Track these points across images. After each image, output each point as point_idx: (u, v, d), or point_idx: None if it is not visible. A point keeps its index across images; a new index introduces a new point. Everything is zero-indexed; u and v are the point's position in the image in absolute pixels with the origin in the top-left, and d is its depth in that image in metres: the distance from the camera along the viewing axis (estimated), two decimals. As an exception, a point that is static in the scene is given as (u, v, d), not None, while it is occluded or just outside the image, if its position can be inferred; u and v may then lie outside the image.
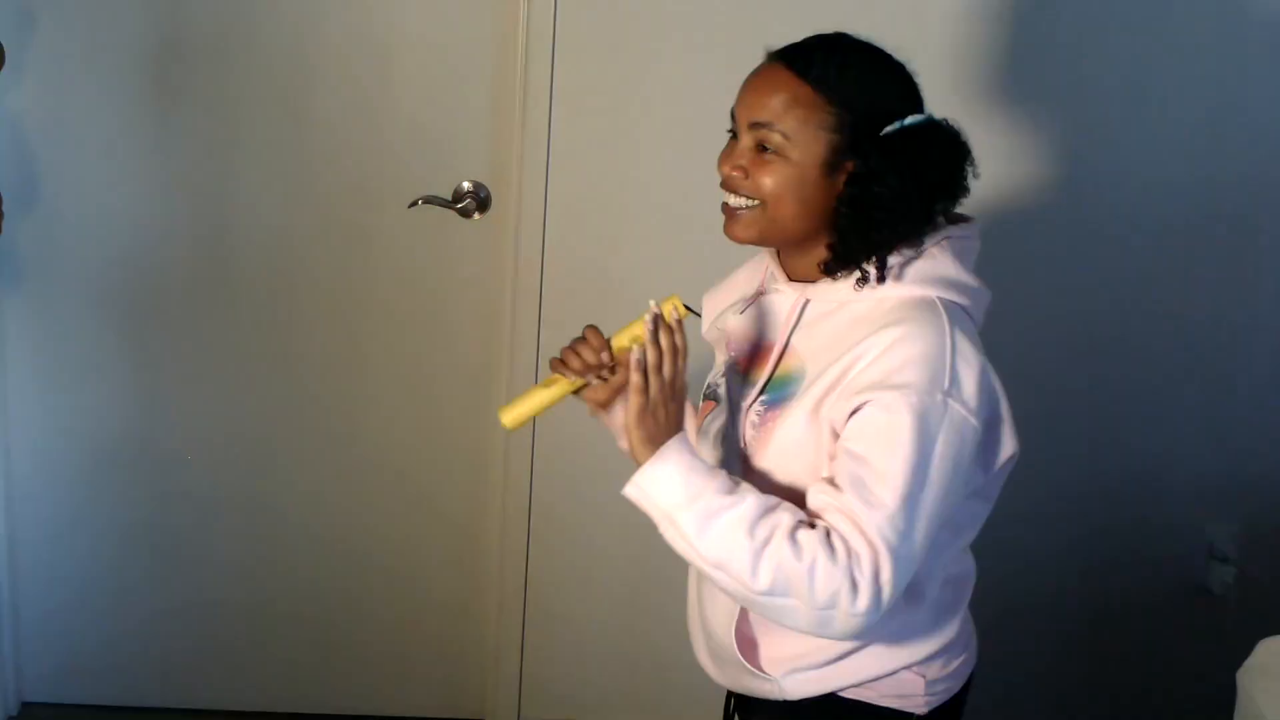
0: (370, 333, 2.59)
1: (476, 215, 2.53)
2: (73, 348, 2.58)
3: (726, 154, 1.55)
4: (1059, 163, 2.48)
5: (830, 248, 1.52)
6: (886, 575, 1.38)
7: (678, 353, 1.51)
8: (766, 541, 1.40)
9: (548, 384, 1.63)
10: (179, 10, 2.43)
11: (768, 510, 1.42)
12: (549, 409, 1.64)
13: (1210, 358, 2.62)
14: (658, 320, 1.50)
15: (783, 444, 1.52)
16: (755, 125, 1.51)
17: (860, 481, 1.41)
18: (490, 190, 2.52)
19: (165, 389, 2.61)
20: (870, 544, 1.39)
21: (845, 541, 1.39)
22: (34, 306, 2.55)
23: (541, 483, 2.63)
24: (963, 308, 1.52)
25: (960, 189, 1.53)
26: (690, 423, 1.70)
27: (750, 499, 1.43)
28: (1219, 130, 2.50)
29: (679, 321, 1.53)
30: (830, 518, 1.42)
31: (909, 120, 1.50)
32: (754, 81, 1.54)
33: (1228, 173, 2.52)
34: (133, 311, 2.57)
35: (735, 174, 1.53)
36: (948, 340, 1.45)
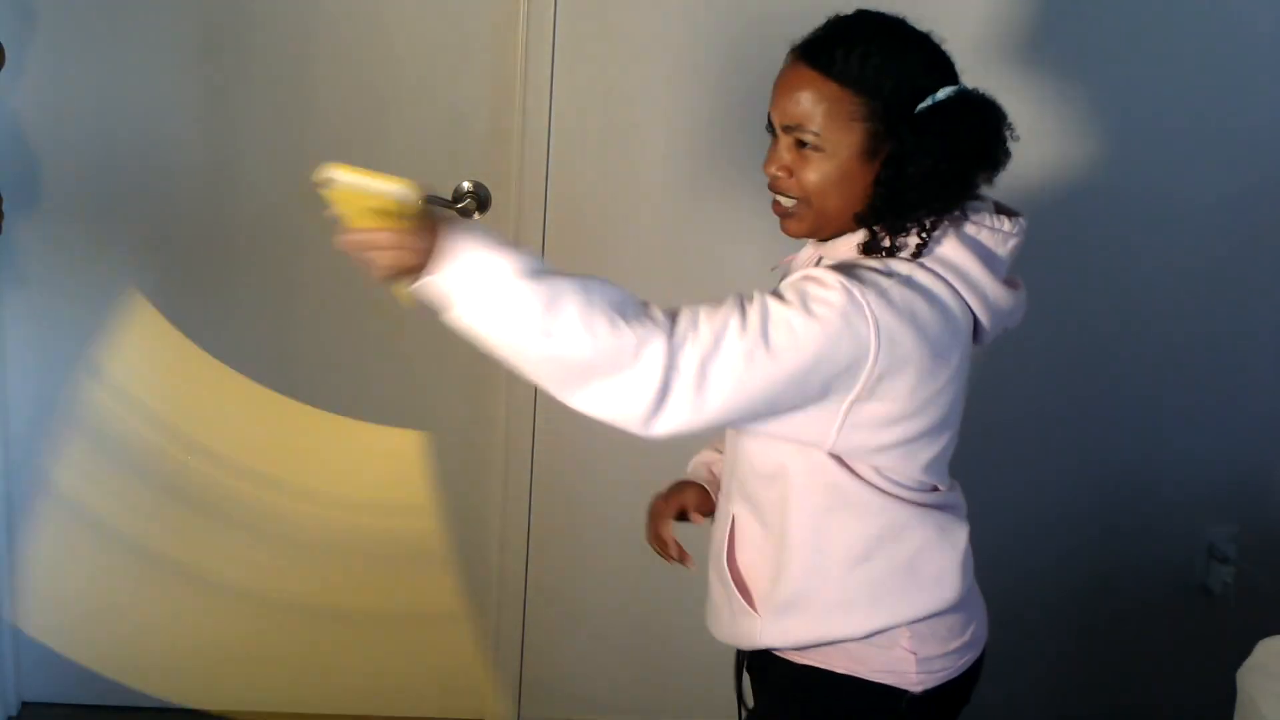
0: (370, 333, 2.59)
1: (476, 215, 2.53)
2: (72, 347, 2.58)
3: (769, 156, 1.57)
4: (1058, 165, 2.48)
5: (859, 219, 1.54)
6: (667, 358, 1.40)
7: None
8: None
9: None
10: (179, 10, 2.43)
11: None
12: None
13: (1210, 358, 2.62)
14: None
15: None
16: (788, 128, 1.54)
17: (738, 306, 1.44)
18: (490, 190, 2.52)
19: (165, 389, 2.61)
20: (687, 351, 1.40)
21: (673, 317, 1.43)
22: (34, 306, 2.55)
23: (541, 483, 2.63)
24: (952, 289, 1.51)
25: (999, 155, 1.54)
26: None
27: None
28: (1219, 131, 2.50)
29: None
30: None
31: (940, 95, 1.51)
32: (781, 84, 1.56)
33: (1228, 174, 2.53)
34: (132, 311, 2.57)
35: (780, 174, 1.56)
36: (893, 279, 1.47)
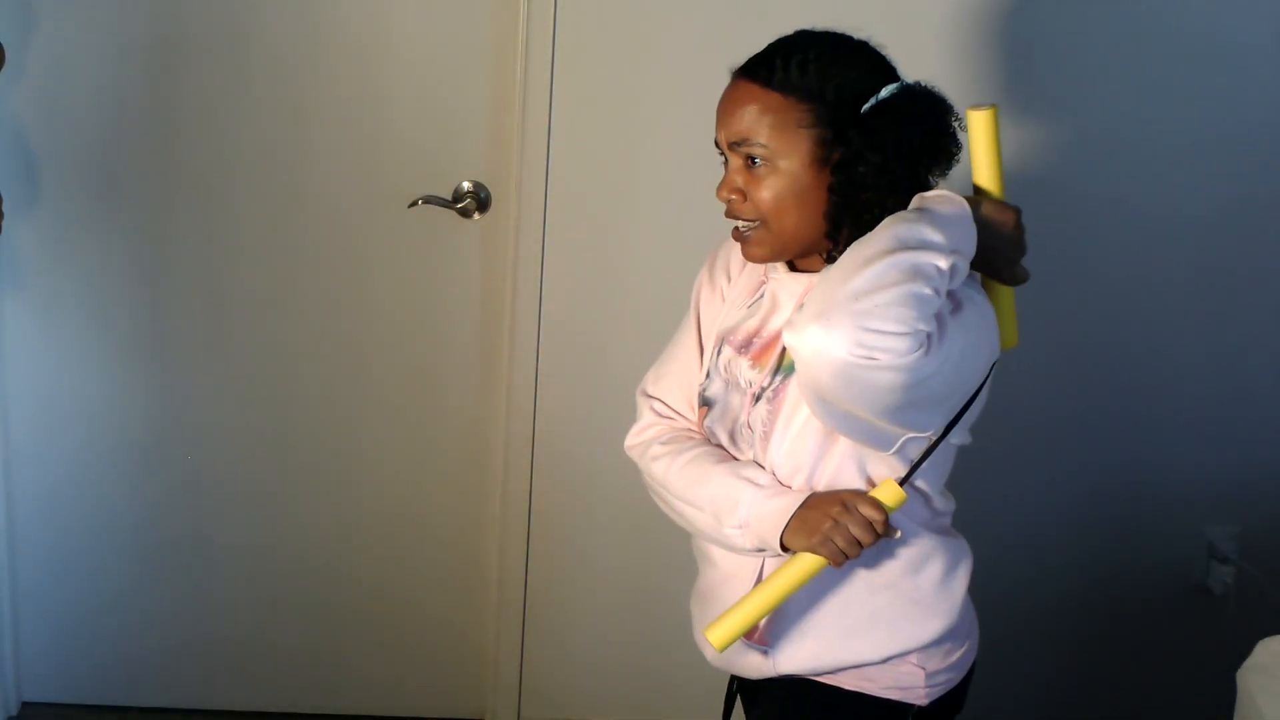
0: (370, 333, 2.59)
1: (476, 215, 2.53)
2: (72, 348, 2.58)
3: (722, 182, 1.56)
4: (1058, 164, 2.48)
5: (828, 236, 1.53)
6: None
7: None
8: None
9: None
10: (179, 10, 2.43)
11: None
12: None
13: (1210, 358, 2.62)
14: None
15: (794, 406, 1.53)
16: (735, 145, 1.53)
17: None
18: (490, 190, 2.52)
19: (165, 389, 2.61)
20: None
21: None
22: (34, 306, 2.55)
23: (541, 484, 2.63)
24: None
25: (949, 146, 1.53)
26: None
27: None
28: (1219, 131, 2.50)
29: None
30: None
31: (883, 93, 1.50)
32: (724, 103, 1.56)
33: (1228, 174, 2.52)
34: (132, 311, 2.57)
35: (734, 198, 1.55)
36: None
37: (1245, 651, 2.00)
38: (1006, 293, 1.58)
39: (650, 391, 1.73)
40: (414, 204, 2.49)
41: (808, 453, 1.54)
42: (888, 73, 1.54)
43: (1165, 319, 2.59)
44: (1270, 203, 2.55)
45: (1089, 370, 2.62)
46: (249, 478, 2.66)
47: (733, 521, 1.55)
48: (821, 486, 1.55)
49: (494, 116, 2.48)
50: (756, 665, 1.63)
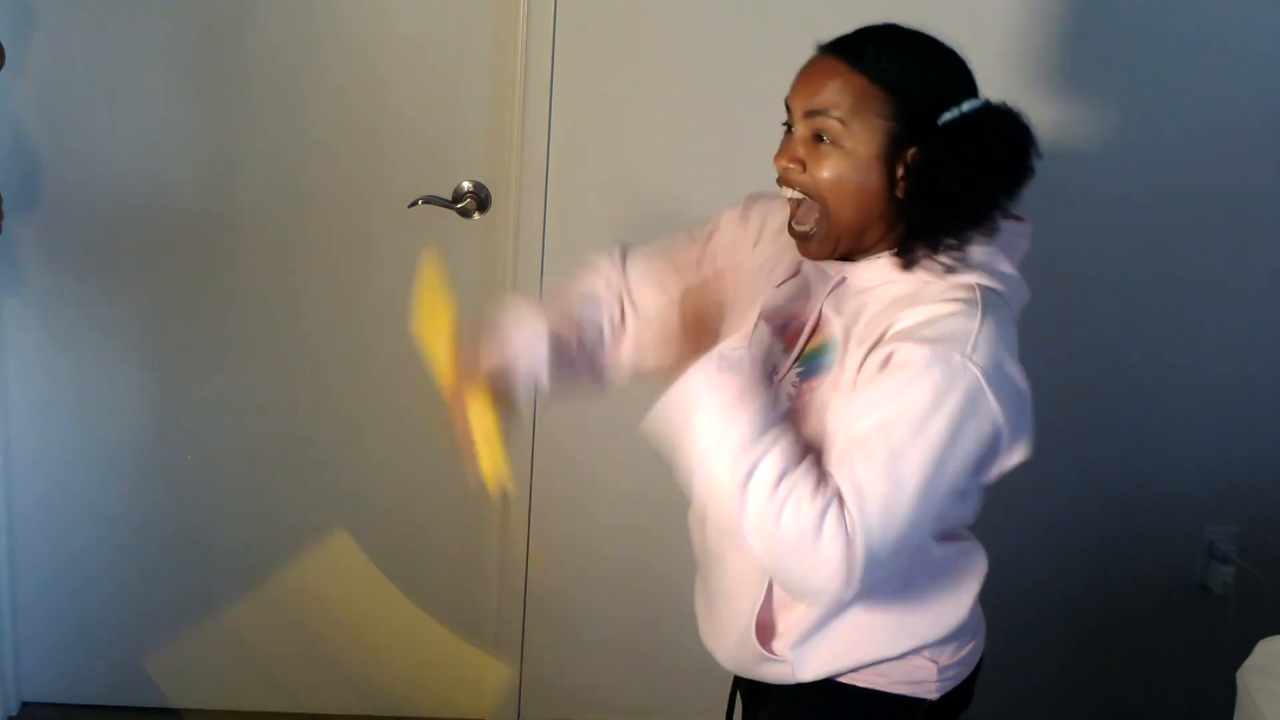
0: (370, 332, 2.59)
1: (476, 215, 2.53)
2: (72, 348, 2.58)
3: (781, 148, 1.52)
4: (1058, 164, 2.48)
5: (903, 242, 1.49)
6: (858, 552, 1.35)
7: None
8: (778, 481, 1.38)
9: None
10: (179, 10, 2.43)
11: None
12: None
13: (1210, 359, 2.62)
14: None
15: (821, 414, 1.49)
16: (811, 113, 1.48)
17: (864, 447, 1.37)
18: (490, 190, 2.52)
19: (165, 389, 2.61)
20: (851, 523, 1.35)
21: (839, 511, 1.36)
22: (34, 306, 2.55)
23: (541, 483, 2.63)
24: (1000, 295, 1.49)
25: (1026, 171, 1.50)
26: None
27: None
28: (1219, 132, 2.50)
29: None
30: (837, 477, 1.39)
31: (966, 106, 1.47)
32: (808, 72, 1.51)
33: (1228, 175, 2.53)
34: (132, 311, 2.57)
35: (793, 166, 1.50)
36: (980, 319, 1.42)
37: (1245, 651, 2.00)
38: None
39: (617, 252, 1.77)
40: (414, 204, 2.49)
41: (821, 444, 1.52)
42: (969, 85, 1.51)
43: (1165, 320, 2.59)
44: (1271, 203, 2.55)
45: (1089, 371, 2.62)
46: (249, 479, 2.66)
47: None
48: None
49: (494, 116, 2.48)
50: (776, 673, 1.63)
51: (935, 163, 1.45)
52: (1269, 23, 2.46)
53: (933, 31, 1.53)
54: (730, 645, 1.66)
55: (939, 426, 1.37)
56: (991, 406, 1.39)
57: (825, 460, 1.41)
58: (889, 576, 1.51)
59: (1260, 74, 2.49)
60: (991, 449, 1.43)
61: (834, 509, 1.35)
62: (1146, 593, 2.72)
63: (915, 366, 1.38)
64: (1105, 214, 2.53)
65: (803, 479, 1.37)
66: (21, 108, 2.44)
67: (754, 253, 1.68)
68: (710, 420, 1.39)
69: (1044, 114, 2.44)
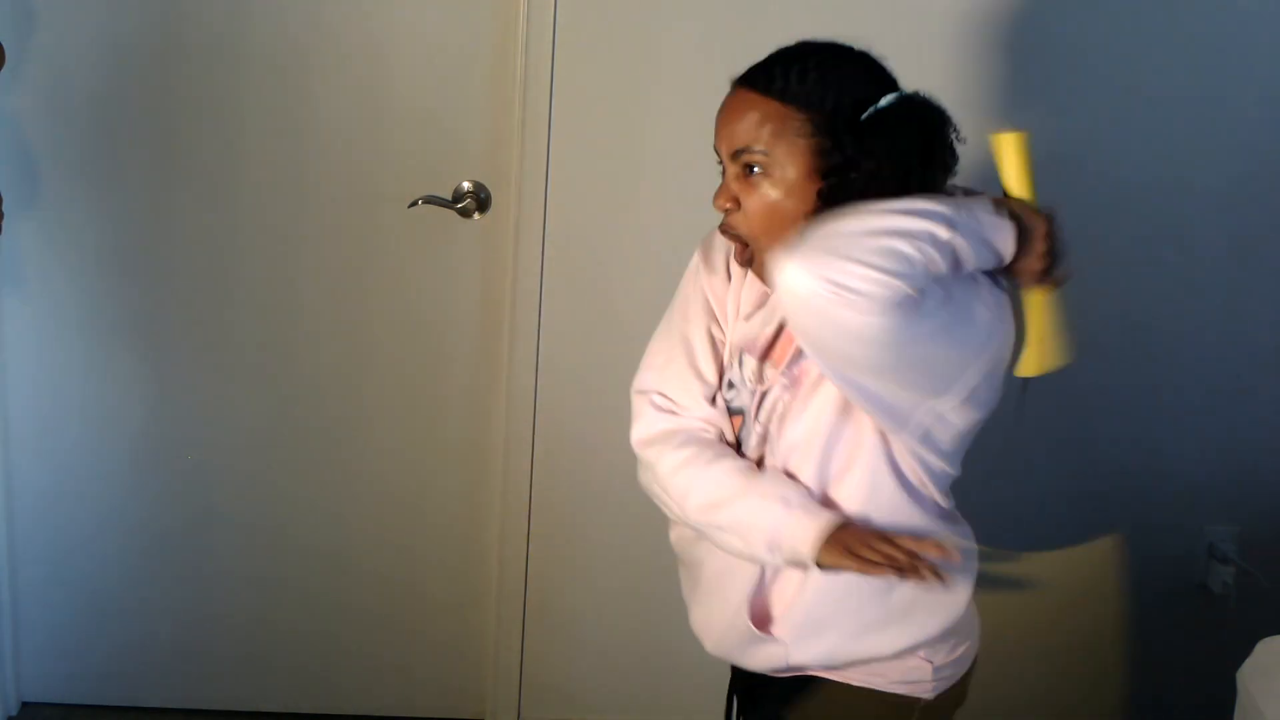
0: (370, 332, 2.59)
1: (476, 215, 2.53)
2: (72, 348, 2.58)
3: (718, 190, 1.56)
4: (1056, 163, 2.48)
5: None
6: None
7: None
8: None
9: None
10: (179, 10, 2.43)
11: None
12: None
13: (1210, 358, 2.62)
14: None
15: (812, 386, 1.54)
16: (736, 154, 1.53)
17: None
18: (490, 190, 2.52)
19: (165, 388, 2.61)
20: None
21: None
22: (34, 307, 2.55)
23: (541, 483, 2.63)
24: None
25: (945, 157, 1.53)
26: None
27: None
28: (1218, 131, 2.50)
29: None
30: None
31: (882, 103, 1.49)
32: (724, 112, 1.55)
33: (1226, 173, 2.52)
34: (132, 311, 2.57)
35: (728, 205, 1.54)
36: None
37: (1245, 651, 2.00)
38: (1044, 304, 1.56)
39: (647, 386, 1.70)
40: (414, 204, 2.49)
41: (822, 432, 1.54)
42: (888, 83, 1.53)
43: (1165, 318, 2.59)
44: (1272, 201, 2.55)
45: (1089, 371, 2.60)
46: (248, 479, 2.66)
47: (761, 542, 1.54)
48: (837, 468, 1.55)
49: (494, 116, 2.48)
50: (766, 656, 1.63)
51: (846, 162, 1.48)
52: (1269, 22, 2.46)
53: (841, 39, 1.55)
54: (718, 629, 1.67)
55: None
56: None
57: None
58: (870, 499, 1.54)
59: (1260, 72, 2.49)
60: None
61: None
62: (1146, 592, 2.72)
63: None
64: (1105, 213, 2.52)
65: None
66: (21, 108, 2.44)
67: (729, 289, 1.70)
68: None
69: (1042, 113, 2.45)
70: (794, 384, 1.55)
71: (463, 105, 2.48)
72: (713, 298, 1.69)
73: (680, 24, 2.41)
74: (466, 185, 2.51)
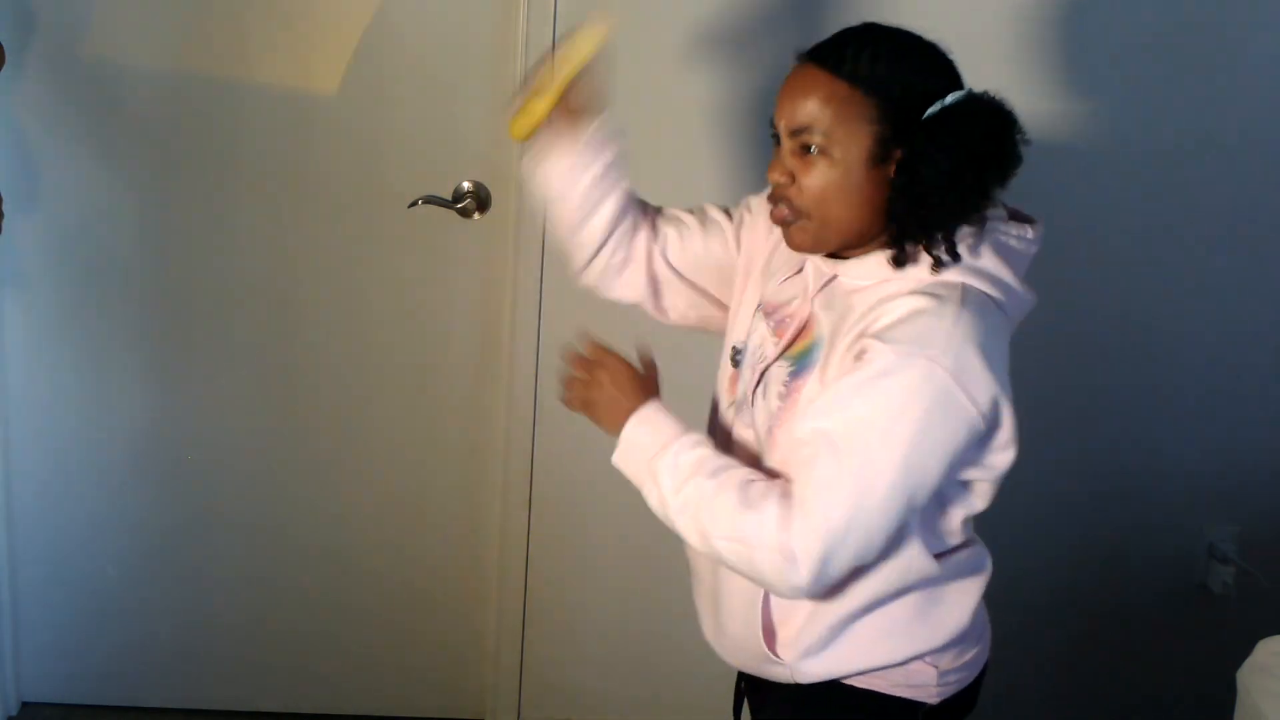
0: (370, 332, 2.59)
1: (476, 215, 2.53)
2: (72, 348, 2.58)
3: (772, 163, 1.53)
4: (1056, 162, 2.48)
5: (893, 240, 1.49)
6: (814, 554, 1.41)
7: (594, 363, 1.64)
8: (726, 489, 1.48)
9: (538, 93, 1.69)
10: (179, 10, 2.43)
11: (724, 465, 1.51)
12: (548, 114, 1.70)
13: (1210, 357, 2.62)
14: None
15: (803, 414, 1.50)
16: (795, 131, 1.49)
17: (831, 444, 1.41)
18: (490, 190, 2.52)
19: (165, 388, 2.61)
20: (812, 527, 1.42)
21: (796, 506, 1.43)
22: (34, 307, 2.55)
23: (541, 483, 2.63)
24: (994, 300, 1.49)
25: (1012, 159, 1.50)
26: (723, 391, 1.70)
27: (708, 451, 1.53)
28: (1217, 130, 2.50)
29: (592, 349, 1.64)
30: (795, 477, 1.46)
31: (949, 99, 1.47)
32: (788, 87, 1.51)
33: (1227, 173, 2.52)
34: (132, 311, 2.57)
35: (782, 180, 1.51)
36: (952, 317, 1.43)
37: (1245, 651, 2.00)
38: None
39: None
40: (414, 204, 2.49)
41: None
42: (952, 76, 1.51)
43: (1165, 318, 2.59)
44: (1271, 203, 2.55)
45: (1089, 371, 2.62)
46: (248, 480, 2.66)
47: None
48: None
49: (494, 116, 2.48)
50: (777, 673, 1.63)
51: (919, 157, 1.45)
52: (1270, 22, 2.46)
53: (911, 28, 1.53)
54: (729, 647, 1.69)
55: (905, 429, 1.40)
56: (965, 406, 1.42)
57: (788, 448, 1.48)
58: (889, 583, 1.52)
59: (1260, 73, 2.49)
60: (971, 449, 1.46)
61: (777, 506, 1.43)
62: (1146, 592, 2.72)
63: (882, 366, 1.41)
64: (1105, 212, 2.52)
65: (742, 485, 1.47)
66: (21, 108, 2.44)
67: (766, 241, 1.69)
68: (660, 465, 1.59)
69: (1043, 113, 2.45)
70: (790, 394, 1.55)
71: (463, 105, 2.48)
72: (752, 221, 1.72)
73: (679, 24, 2.41)
74: (466, 185, 2.51)
